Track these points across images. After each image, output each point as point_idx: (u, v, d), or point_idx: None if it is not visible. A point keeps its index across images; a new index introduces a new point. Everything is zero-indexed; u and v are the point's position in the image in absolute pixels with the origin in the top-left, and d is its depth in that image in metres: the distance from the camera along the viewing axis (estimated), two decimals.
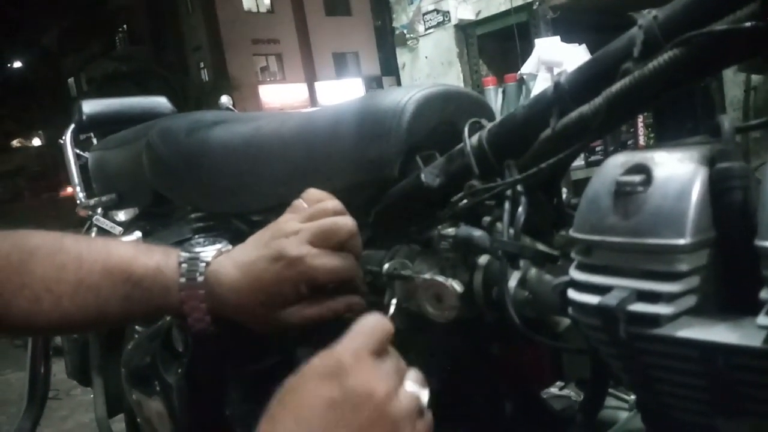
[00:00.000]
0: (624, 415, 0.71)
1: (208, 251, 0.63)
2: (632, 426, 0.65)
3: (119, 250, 0.64)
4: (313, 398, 0.42)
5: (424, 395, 0.46)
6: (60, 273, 0.60)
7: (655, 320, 0.41)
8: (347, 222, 0.62)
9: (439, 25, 3.97)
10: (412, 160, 0.70)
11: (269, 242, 0.62)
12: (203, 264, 0.62)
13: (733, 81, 3.07)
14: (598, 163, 0.47)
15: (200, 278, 0.62)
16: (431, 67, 4.09)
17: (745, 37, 0.43)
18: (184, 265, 0.62)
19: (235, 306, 0.62)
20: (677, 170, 0.43)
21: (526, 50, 3.10)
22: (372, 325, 0.47)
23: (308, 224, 0.62)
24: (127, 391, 1.01)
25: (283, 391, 0.44)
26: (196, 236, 0.91)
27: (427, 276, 0.61)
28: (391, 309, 0.62)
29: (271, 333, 0.64)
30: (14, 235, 0.62)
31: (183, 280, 0.62)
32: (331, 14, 27.04)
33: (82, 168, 1.26)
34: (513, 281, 0.56)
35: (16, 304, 0.59)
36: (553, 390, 0.82)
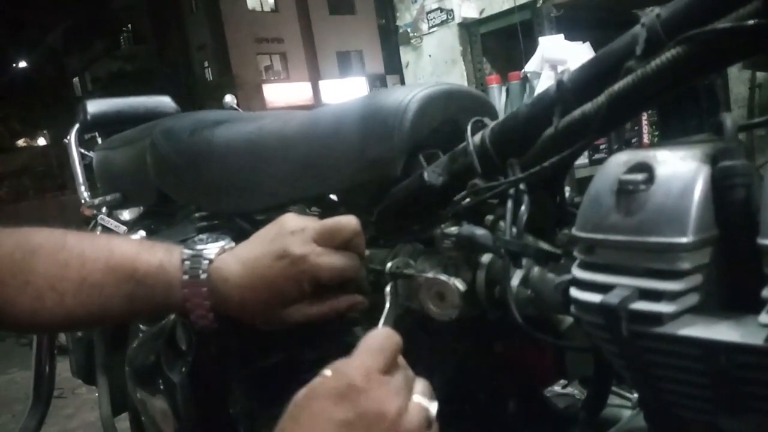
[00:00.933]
0: (627, 413, 0.71)
1: (211, 248, 0.64)
2: (635, 424, 0.65)
3: (122, 247, 0.64)
4: (326, 419, 0.42)
5: (433, 407, 0.46)
6: (63, 271, 0.60)
7: (658, 318, 0.41)
8: (351, 221, 0.62)
9: (442, 23, 3.97)
10: (415, 159, 0.70)
11: (273, 239, 0.62)
12: (206, 261, 0.62)
13: (738, 78, 3.06)
14: (602, 161, 0.47)
15: (203, 275, 0.62)
16: (435, 65, 4.09)
17: (749, 34, 0.42)
18: (187, 263, 0.62)
19: (238, 303, 0.62)
20: (680, 168, 0.42)
21: (530, 48, 3.10)
22: (381, 341, 0.46)
23: (313, 223, 0.62)
24: (132, 389, 1.02)
25: (294, 408, 0.44)
26: (200, 234, 0.91)
27: (430, 275, 0.61)
28: (385, 311, 0.61)
29: (273, 331, 0.64)
30: (18, 234, 0.63)
31: (186, 277, 0.62)
32: (334, 13, 27.04)
33: (87, 167, 1.27)
34: (516, 280, 0.56)
35: (19, 302, 0.60)
36: (556, 388, 0.82)
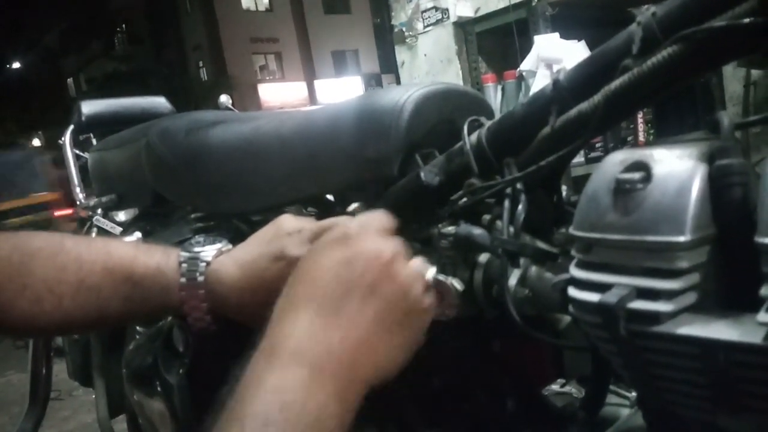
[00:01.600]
0: (625, 412, 0.71)
1: (208, 251, 0.63)
2: (633, 423, 0.65)
3: (119, 250, 0.64)
4: (325, 260, 0.47)
5: (430, 272, 0.51)
6: (61, 274, 0.60)
7: (656, 317, 0.41)
8: (355, 224, 0.62)
9: (437, 22, 3.97)
10: (412, 158, 0.70)
11: (270, 241, 0.62)
12: (203, 264, 0.62)
13: (733, 76, 3.07)
14: (598, 160, 0.47)
15: (200, 278, 0.62)
16: (430, 64, 4.09)
17: (744, 32, 0.42)
18: (184, 265, 0.62)
19: (236, 305, 0.62)
20: (677, 167, 0.42)
21: (525, 47, 3.10)
22: (375, 215, 0.52)
23: (309, 224, 0.62)
24: (129, 391, 1.01)
25: (299, 263, 0.49)
26: (197, 236, 0.91)
27: None
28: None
29: None
30: (15, 237, 0.62)
31: (183, 279, 0.62)
32: (330, 12, 27.01)
33: (82, 168, 1.26)
34: (513, 279, 0.56)
35: (17, 306, 0.59)
36: (555, 387, 0.82)
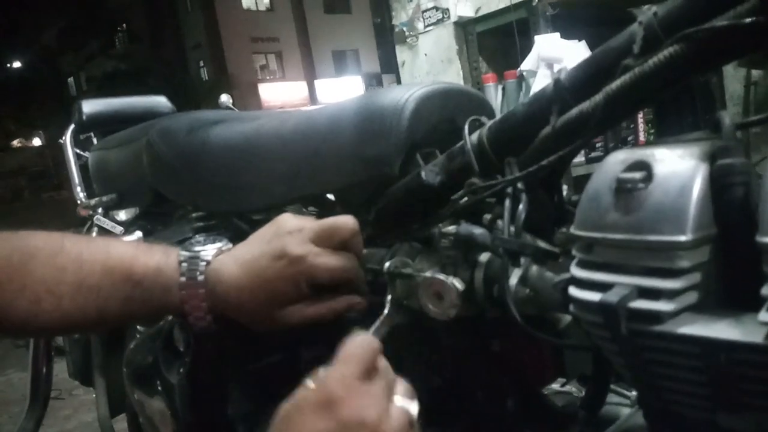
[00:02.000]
0: (626, 411, 0.71)
1: (208, 250, 0.63)
2: (634, 422, 0.65)
3: (119, 250, 0.64)
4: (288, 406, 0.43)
5: (414, 408, 0.47)
6: (60, 274, 0.60)
7: (657, 317, 0.41)
8: (348, 221, 0.62)
9: (438, 22, 3.97)
10: (413, 158, 0.70)
11: (271, 240, 0.62)
12: (203, 263, 0.62)
13: (734, 76, 3.07)
14: (598, 159, 0.47)
15: (201, 277, 0.62)
16: (431, 64, 4.09)
17: (745, 32, 0.42)
18: (184, 264, 0.62)
19: (236, 304, 0.62)
20: (678, 167, 0.42)
21: (526, 47, 3.10)
22: (358, 348, 0.46)
23: (310, 223, 0.62)
24: (129, 390, 1.01)
25: (279, 422, 0.44)
26: (197, 235, 0.91)
27: (428, 274, 0.60)
28: (387, 307, 0.62)
29: (271, 332, 0.64)
30: (15, 237, 0.62)
31: (183, 279, 0.62)
32: (330, 12, 27.01)
33: (83, 168, 1.26)
34: (514, 279, 0.56)
35: (17, 306, 0.59)
36: (555, 387, 0.82)
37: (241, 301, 0.61)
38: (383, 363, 0.47)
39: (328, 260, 0.60)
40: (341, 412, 0.42)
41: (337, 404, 0.43)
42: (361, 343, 0.47)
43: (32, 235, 0.63)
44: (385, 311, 0.63)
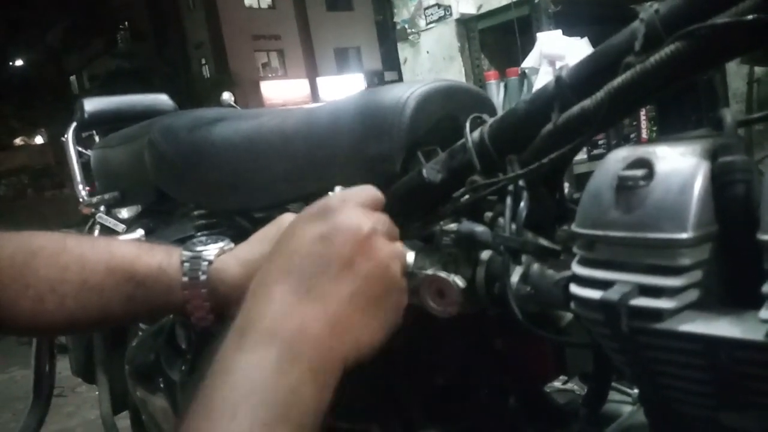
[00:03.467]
0: (627, 409, 0.71)
1: (210, 249, 0.64)
2: (635, 420, 0.65)
3: (122, 249, 0.64)
4: (303, 234, 0.47)
5: (410, 256, 0.51)
6: (63, 273, 0.61)
7: (658, 315, 0.41)
8: (337, 197, 0.62)
9: (440, 19, 3.97)
10: (414, 155, 0.70)
11: (273, 239, 0.62)
12: (206, 263, 0.62)
13: (737, 73, 3.06)
14: (600, 157, 0.47)
15: (203, 277, 0.62)
16: (433, 61, 4.09)
17: (748, 29, 0.42)
18: (186, 264, 0.62)
19: (238, 303, 0.62)
20: (679, 164, 0.42)
21: (528, 44, 3.10)
22: (361, 188, 0.52)
23: None
24: (132, 388, 1.02)
25: (279, 236, 0.49)
26: (199, 235, 0.91)
27: (430, 272, 0.60)
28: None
29: None
30: (18, 237, 0.63)
31: (186, 278, 0.62)
32: (332, 9, 26.98)
33: (85, 166, 1.26)
34: (515, 276, 0.56)
35: (20, 305, 0.60)
36: (557, 384, 0.82)
37: (242, 300, 0.61)
38: (384, 217, 0.51)
39: None
40: (335, 218, 0.47)
41: (332, 211, 0.47)
42: (363, 187, 0.52)
43: (35, 235, 0.63)
44: None
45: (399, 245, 0.50)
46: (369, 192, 0.51)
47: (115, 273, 0.61)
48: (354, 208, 0.48)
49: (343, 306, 0.44)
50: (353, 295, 0.45)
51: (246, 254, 0.63)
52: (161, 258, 0.63)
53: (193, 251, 0.63)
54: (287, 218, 0.63)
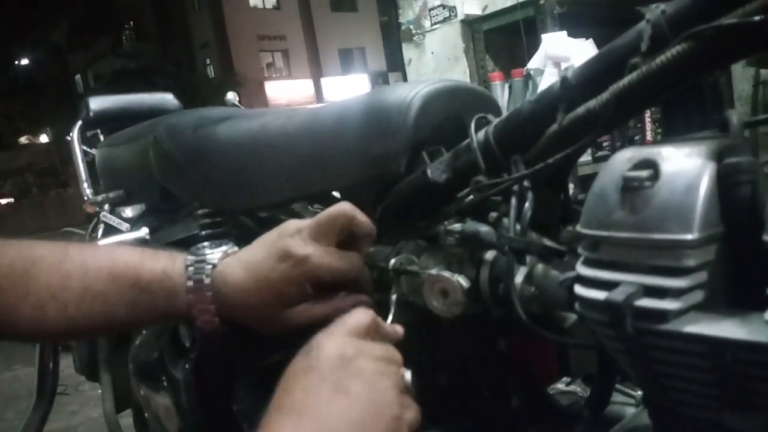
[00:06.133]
0: (631, 410, 0.71)
1: (214, 253, 0.64)
2: (639, 422, 0.65)
3: (125, 256, 0.64)
4: (290, 368, 0.48)
5: (408, 374, 0.51)
6: (65, 281, 0.61)
7: (663, 316, 0.41)
8: (343, 207, 0.62)
9: (445, 20, 3.97)
10: (419, 155, 0.70)
11: (275, 242, 0.62)
12: (210, 266, 0.62)
13: (742, 75, 3.06)
14: (605, 158, 0.47)
15: (207, 280, 0.62)
16: (437, 62, 4.09)
17: (754, 31, 0.42)
18: (190, 268, 0.62)
19: (243, 307, 0.62)
20: (685, 165, 0.42)
21: (533, 45, 3.09)
22: (352, 315, 0.52)
23: (308, 221, 0.62)
24: (135, 386, 1.02)
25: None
26: (203, 243, 0.92)
27: (434, 272, 0.61)
28: (392, 308, 0.63)
29: (278, 333, 0.64)
30: (19, 245, 0.63)
31: (190, 283, 0.62)
32: (336, 10, 27.01)
33: (90, 164, 1.27)
34: (519, 277, 0.56)
35: (21, 312, 0.60)
36: (560, 386, 0.82)
37: (247, 303, 0.61)
38: (384, 327, 0.53)
39: (331, 260, 0.60)
40: (320, 350, 0.48)
41: (316, 346, 0.49)
42: (356, 312, 0.52)
43: (36, 244, 0.63)
44: (390, 315, 0.62)
45: (394, 365, 0.50)
46: (359, 319, 0.52)
47: (118, 279, 0.62)
48: (340, 337, 0.49)
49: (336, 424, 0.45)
50: (345, 414, 0.45)
51: (248, 257, 0.63)
52: (165, 263, 0.63)
53: (197, 255, 0.63)
54: (292, 224, 0.63)
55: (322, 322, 0.61)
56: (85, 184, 1.26)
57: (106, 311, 0.62)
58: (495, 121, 0.63)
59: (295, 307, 0.61)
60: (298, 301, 0.61)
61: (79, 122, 1.28)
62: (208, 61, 25.84)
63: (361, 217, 0.62)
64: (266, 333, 0.64)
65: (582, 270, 0.47)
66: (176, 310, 0.63)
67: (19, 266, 0.61)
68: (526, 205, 0.57)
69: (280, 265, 0.60)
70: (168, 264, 0.63)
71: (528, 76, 3.05)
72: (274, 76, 26.14)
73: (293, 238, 0.61)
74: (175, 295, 0.62)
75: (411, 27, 4.16)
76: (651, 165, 0.44)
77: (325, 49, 26.74)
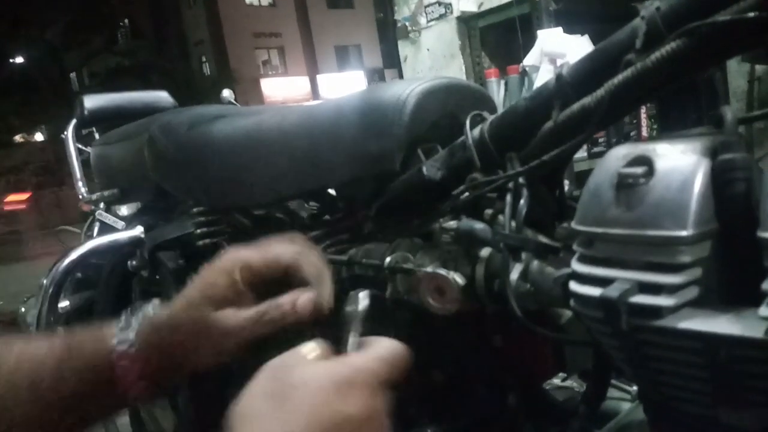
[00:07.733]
0: (626, 406, 0.71)
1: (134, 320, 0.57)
2: (634, 417, 0.65)
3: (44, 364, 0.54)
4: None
5: None
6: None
7: (657, 312, 0.41)
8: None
9: (441, 17, 3.97)
10: (414, 153, 0.69)
11: (213, 281, 0.56)
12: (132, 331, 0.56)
13: (738, 71, 3.06)
14: (600, 155, 0.47)
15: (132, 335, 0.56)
16: (433, 59, 4.09)
17: (749, 27, 0.42)
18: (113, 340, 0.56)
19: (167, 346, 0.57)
20: (679, 162, 0.42)
21: (529, 42, 3.10)
22: (393, 354, 0.44)
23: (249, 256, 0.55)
24: None
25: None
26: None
27: (429, 269, 0.61)
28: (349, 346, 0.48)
29: (276, 331, 0.60)
30: None
31: (115, 341, 0.56)
32: (332, 7, 26.96)
33: (85, 163, 1.26)
34: (515, 274, 0.56)
35: None
36: (556, 381, 0.82)
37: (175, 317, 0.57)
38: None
39: (259, 251, 0.54)
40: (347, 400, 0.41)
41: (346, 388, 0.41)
42: (398, 351, 0.44)
43: None
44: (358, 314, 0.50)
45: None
46: (398, 362, 0.43)
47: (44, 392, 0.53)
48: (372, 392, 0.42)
49: None
50: None
51: (180, 298, 0.57)
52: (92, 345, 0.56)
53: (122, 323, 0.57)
54: (232, 254, 0.56)
55: (270, 326, 0.55)
56: (80, 183, 1.25)
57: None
58: (490, 118, 0.63)
59: (227, 309, 0.55)
60: (231, 302, 0.55)
61: (74, 120, 1.28)
62: (203, 59, 25.78)
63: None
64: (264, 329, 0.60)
65: (577, 267, 0.47)
66: (112, 384, 0.55)
67: None
68: (522, 202, 0.57)
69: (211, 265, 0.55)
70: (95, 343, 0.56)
71: (524, 73, 3.05)
72: (270, 73, 26.08)
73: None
74: (105, 370, 0.55)
75: (407, 24, 4.16)
76: (646, 162, 0.44)
77: (321, 46, 26.69)
